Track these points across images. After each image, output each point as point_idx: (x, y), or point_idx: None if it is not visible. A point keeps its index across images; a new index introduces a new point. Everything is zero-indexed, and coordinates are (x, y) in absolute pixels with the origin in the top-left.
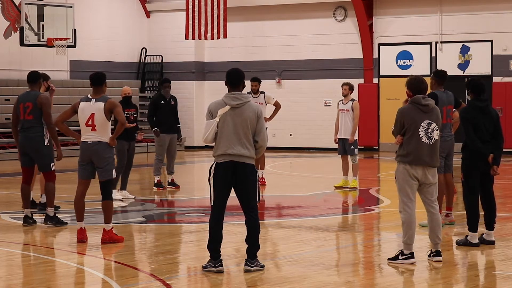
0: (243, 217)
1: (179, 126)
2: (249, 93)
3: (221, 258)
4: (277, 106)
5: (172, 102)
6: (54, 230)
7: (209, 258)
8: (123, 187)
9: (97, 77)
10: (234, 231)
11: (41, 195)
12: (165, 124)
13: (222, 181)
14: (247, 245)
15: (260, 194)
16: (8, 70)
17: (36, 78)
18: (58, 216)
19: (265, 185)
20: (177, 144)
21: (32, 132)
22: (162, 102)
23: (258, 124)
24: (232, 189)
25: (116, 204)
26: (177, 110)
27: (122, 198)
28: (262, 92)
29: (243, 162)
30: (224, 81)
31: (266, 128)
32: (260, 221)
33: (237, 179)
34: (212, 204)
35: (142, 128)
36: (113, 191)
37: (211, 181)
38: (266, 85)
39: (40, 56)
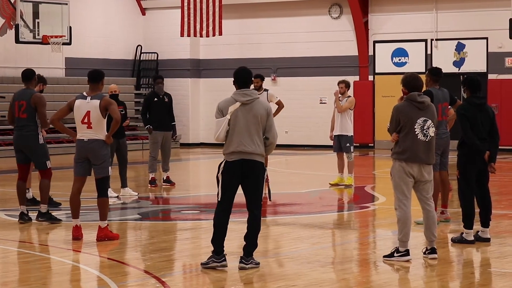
0: (239, 215)
1: (174, 124)
2: None
3: (224, 253)
4: (280, 105)
5: (166, 99)
6: (50, 227)
7: (207, 256)
8: (124, 185)
9: (95, 74)
10: (230, 228)
11: (28, 189)
12: (157, 121)
13: (231, 179)
14: (245, 243)
15: (270, 193)
16: (3, 68)
17: (30, 76)
18: (51, 213)
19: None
20: (172, 141)
21: (26, 130)
22: (155, 99)
23: (268, 121)
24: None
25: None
26: (172, 107)
27: (118, 196)
28: (266, 90)
29: (252, 160)
30: (219, 78)
31: None
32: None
33: (246, 176)
34: (219, 199)
35: (137, 125)
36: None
37: (220, 178)
38: None
39: (35, 53)
